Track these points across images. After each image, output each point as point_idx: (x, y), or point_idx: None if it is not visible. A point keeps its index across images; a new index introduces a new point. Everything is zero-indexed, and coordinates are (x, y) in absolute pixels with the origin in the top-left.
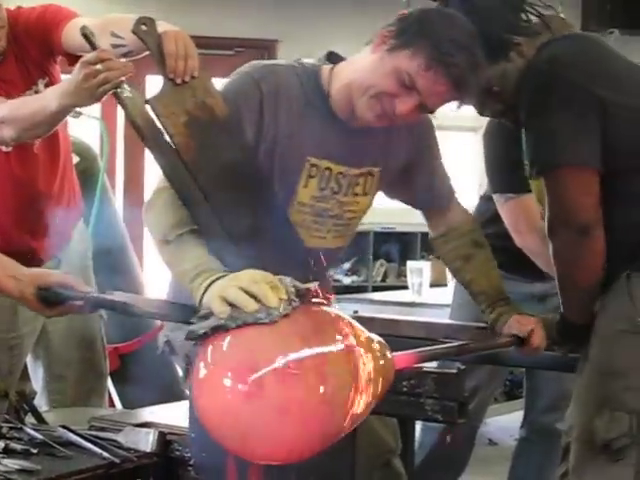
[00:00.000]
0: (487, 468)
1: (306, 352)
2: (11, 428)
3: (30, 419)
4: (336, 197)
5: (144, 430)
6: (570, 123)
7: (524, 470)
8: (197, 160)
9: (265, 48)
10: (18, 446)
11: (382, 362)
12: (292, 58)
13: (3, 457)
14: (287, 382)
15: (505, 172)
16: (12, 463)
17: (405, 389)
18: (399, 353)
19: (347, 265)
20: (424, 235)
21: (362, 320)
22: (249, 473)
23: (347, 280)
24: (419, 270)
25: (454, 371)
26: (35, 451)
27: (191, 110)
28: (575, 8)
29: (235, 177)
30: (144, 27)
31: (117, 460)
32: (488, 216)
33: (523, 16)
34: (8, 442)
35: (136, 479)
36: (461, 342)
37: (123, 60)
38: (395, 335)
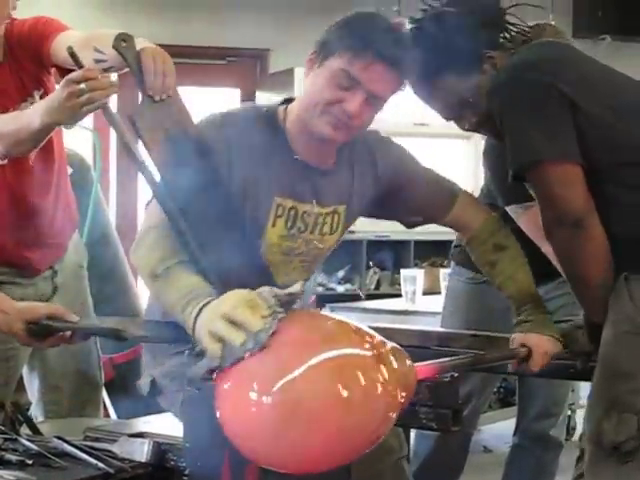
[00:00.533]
0: (482, 475)
1: (331, 357)
2: (6, 439)
3: (25, 430)
4: (302, 236)
5: (139, 440)
6: (544, 121)
7: (517, 477)
8: (174, 178)
9: (257, 57)
10: (13, 457)
11: (404, 370)
12: (284, 67)
13: None
14: (310, 390)
15: (511, 187)
16: (7, 474)
17: None
18: (420, 364)
19: (341, 273)
20: (417, 243)
21: None
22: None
23: (340, 288)
24: (412, 278)
25: (448, 379)
26: (30, 462)
27: (168, 127)
28: (566, 15)
29: (209, 199)
30: (124, 43)
31: (112, 470)
32: None
33: (501, 33)
34: (3, 453)
35: None
36: (478, 352)
37: (110, 79)
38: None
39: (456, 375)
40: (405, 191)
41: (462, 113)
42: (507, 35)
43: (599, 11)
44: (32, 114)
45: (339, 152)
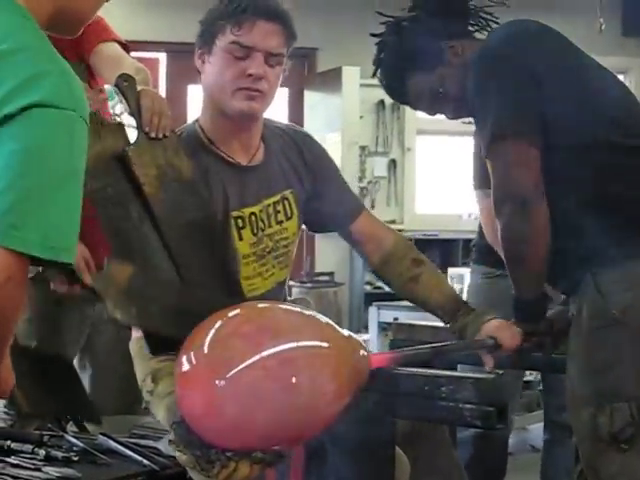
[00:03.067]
0: (528, 475)
1: (277, 348)
2: (52, 436)
3: (72, 427)
4: (265, 233)
5: None
6: (508, 99)
7: (553, 470)
8: (164, 213)
9: (305, 56)
10: (59, 454)
11: (355, 360)
12: (332, 66)
13: (44, 465)
14: (259, 376)
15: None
16: (53, 471)
17: (444, 395)
18: (376, 353)
19: None
20: (466, 242)
21: (402, 327)
22: (288, 477)
23: (388, 287)
24: (460, 277)
25: (492, 376)
26: (76, 458)
27: (162, 165)
28: (616, 14)
29: (196, 236)
30: (125, 83)
31: (157, 467)
32: None
33: (466, 21)
34: (49, 450)
35: None
36: (438, 344)
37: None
38: (435, 341)
39: (501, 372)
40: (322, 186)
41: (440, 105)
42: (474, 21)
43: None
44: None
45: (267, 147)
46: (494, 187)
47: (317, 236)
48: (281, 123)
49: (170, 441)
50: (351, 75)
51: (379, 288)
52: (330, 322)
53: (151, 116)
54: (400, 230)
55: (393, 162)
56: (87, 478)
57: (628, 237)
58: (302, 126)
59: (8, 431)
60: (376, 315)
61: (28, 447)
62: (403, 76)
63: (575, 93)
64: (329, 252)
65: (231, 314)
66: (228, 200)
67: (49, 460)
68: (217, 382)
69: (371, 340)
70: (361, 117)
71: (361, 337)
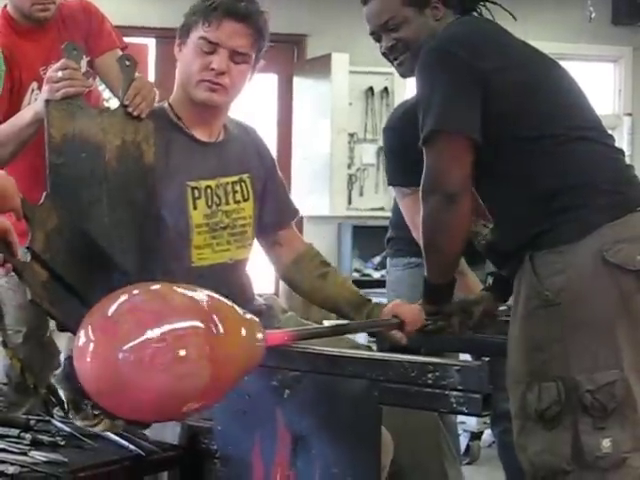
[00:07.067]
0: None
1: (165, 327)
2: (39, 421)
3: (58, 412)
4: (220, 208)
5: (171, 423)
6: (451, 94)
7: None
8: (114, 180)
9: (295, 43)
10: (45, 438)
11: (249, 338)
12: (322, 52)
13: (31, 449)
14: (147, 353)
15: (405, 167)
16: (40, 455)
17: (430, 382)
18: (272, 331)
19: (377, 259)
20: None
21: None
22: (274, 465)
23: (376, 274)
24: None
25: (478, 363)
26: (62, 443)
27: (127, 141)
28: (606, 1)
29: (130, 215)
30: (127, 62)
31: (143, 453)
32: None
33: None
34: (36, 434)
35: (162, 471)
36: (338, 323)
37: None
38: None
39: (486, 360)
40: (269, 185)
41: (382, 34)
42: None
43: None
44: (26, 110)
45: (228, 133)
46: (424, 176)
47: (305, 223)
48: (244, 122)
49: (56, 375)
50: (340, 62)
51: (367, 275)
52: (228, 303)
53: (135, 95)
54: (388, 217)
55: (382, 149)
56: (73, 463)
57: (563, 222)
58: (291, 113)
59: None
60: None
61: (14, 431)
62: None
63: (521, 90)
64: (316, 240)
65: (128, 293)
66: (186, 170)
67: (35, 445)
68: (106, 355)
69: None
70: (350, 104)
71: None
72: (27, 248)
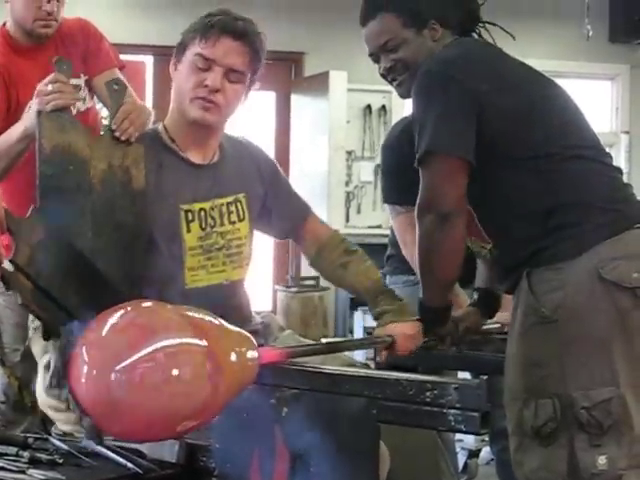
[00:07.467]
0: None
1: (156, 346)
2: (37, 439)
3: (56, 430)
4: (215, 230)
5: (169, 441)
6: (445, 115)
7: None
8: (98, 209)
9: (292, 60)
10: (44, 456)
11: (242, 356)
12: (319, 70)
13: (29, 467)
14: (140, 373)
15: (401, 186)
16: (38, 473)
17: (428, 400)
18: (266, 349)
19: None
20: None
21: None
22: None
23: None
24: None
25: (476, 381)
26: (61, 461)
27: (114, 165)
28: (603, 19)
29: (118, 237)
30: (116, 86)
31: (141, 471)
32: None
33: (458, 15)
34: (34, 452)
35: None
36: (332, 340)
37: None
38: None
39: (485, 378)
40: (277, 193)
41: (381, 54)
42: (471, 24)
43: (635, 15)
44: (16, 127)
45: (222, 150)
46: (420, 196)
47: None
48: (239, 136)
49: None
50: (338, 79)
51: None
52: (219, 322)
53: (123, 119)
54: (386, 235)
55: (379, 167)
56: None
57: (559, 240)
58: (289, 130)
59: None
60: (361, 319)
61: (12, 449)
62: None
63: (516, 111)
64: None
65: (121, 312)
66: (179, 193)
67: (33, 463)
68: (99, 377)
69: None
70: (348, 122)
71: None
72: (10, 261)
